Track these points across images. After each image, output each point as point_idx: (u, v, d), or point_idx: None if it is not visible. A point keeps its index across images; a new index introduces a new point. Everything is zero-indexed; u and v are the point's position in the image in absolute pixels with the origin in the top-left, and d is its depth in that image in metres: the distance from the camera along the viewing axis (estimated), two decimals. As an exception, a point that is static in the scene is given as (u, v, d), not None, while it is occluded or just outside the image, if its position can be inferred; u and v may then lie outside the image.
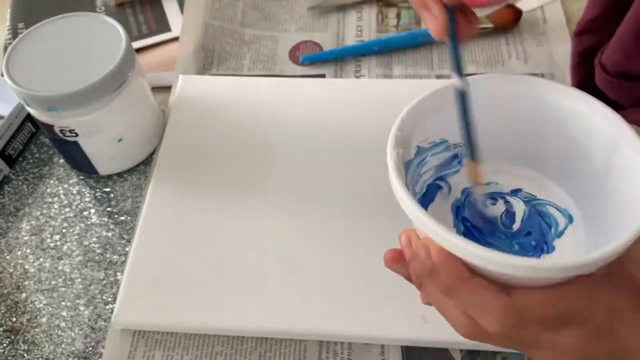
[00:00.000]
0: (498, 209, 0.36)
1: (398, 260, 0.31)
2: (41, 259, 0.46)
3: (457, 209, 0.36)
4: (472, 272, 0.28)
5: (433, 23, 0.31)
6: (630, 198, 0.30)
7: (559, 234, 0.35)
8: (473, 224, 0.36)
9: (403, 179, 0.30)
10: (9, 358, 0.42)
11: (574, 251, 0.34)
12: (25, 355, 0.42)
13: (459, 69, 0.32)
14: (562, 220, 0.35)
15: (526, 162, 0.36)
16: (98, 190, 0.50)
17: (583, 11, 0.44)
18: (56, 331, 0.43)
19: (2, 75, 0.50)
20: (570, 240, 0.34)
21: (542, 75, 0.55)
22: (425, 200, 0.36)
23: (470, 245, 0.26)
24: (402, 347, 0.40)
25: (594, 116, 0.32)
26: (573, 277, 0.27)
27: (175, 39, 0.60)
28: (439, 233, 0.27)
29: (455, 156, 0.37)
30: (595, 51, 0.43)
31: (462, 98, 0.32)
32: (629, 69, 0.41)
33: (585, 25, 0.43)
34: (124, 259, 0.46)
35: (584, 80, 0.45)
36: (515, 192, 0.37)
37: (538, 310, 0.27)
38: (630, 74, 0.41)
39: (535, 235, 0.35)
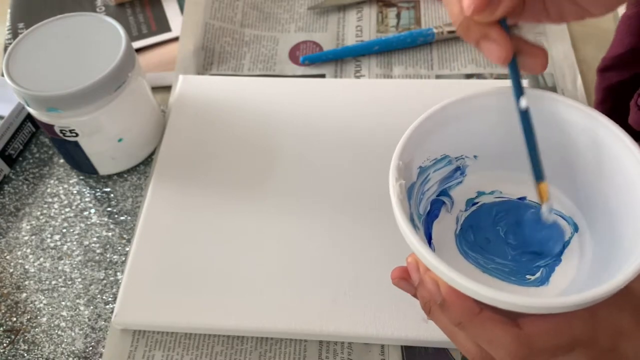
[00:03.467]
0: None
1: (405, 279, 0.32)
2: (41, 259, 0.46)
3: (464, 220, 0.36)
4: (481, 306, 0.28)
5: (498, 48, 0.30)
6: (630, 210, 0.30)
7: (566, 244, 0.35)
8: (479, 235, 0.36)
9: (408, 215, 0.30)
10: (9, 358, 0.42)
11: (580, 265, 0.33)
12: (26, 355, 0.42)
13: (521, 92, 0.31)
14: (567, 229, 0.35)
15: (529, 170, 0.36)
16: (98, 190, 0.50)
17: (608, 49, 0.44)
18: (56, 331, 0.43)
19: (2, 75, 0.50)
20: (576, 251, 0.34)
21: (542, 76, 0.55)
22: (429, 217, 0.36)
23: (479, 288, 0.27)
24: (402, 347, 0.41)
25: (597, 129, 0.32)
26: None
27: (175, 39, 0.60)
28: (449, 276, 0.28)
29: (457, 168, 0.37)
30: (620, 86, 0.43)
31: (527, 118, 0.31)
32: None
33: (610, 62, 0.43)
34: (124, 258, 0.46)
35: (609, 113, 0.45)
36: (520, 199, 0.37)
37: (548, 339, 0.27)
38: None
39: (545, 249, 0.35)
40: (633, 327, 0.28)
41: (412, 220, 0.31)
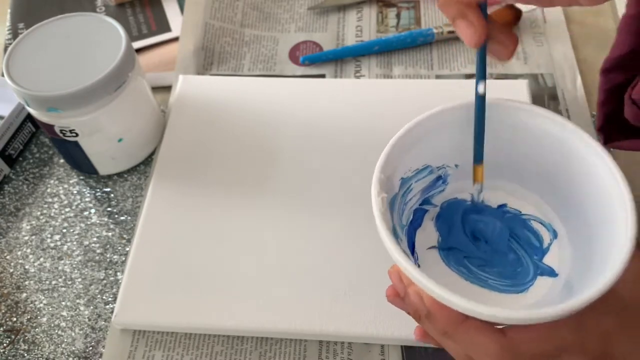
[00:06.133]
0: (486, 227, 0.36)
1: (399, 296, 0.32)
2: (41, 259, 0.46)
3: (438, 219, 0.37)
4: (466, 315, 0.28)
5: (472, 30, 0.30)
6: (605, 216, 0.30)
7: (545, 251, 0.35)
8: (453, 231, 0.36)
9: (390, 229, 0.30)
10: (9, 358, 0.42)
11: (559, 271, 0.34)
12: (26, 355, 0.42)
13: (483, 77, 0.32)
14: (546, 236, 0.35)
15: (509, 178, 0.37)
16: (98, 190, 0.50)
17: (610, 49, 0.44)
18: (56, 331, 0.43)
19: (2, 75, 0.50)
20: (556, 257, 0.34)
21: (542, 76, 0.55)
22: (412, 226, 0.36)
23: (456, 299, 0.27)
24: (402, 347, 0.41)
25: (569, 138, 0.32)
26: None
27: (175, 39, 0.60)
28: (428, 287, 0.28)
29: (439, 178, 0.37)
30: (623, 86, 0.43)
31: (482, 102, 0.33)
32: None
33: (614, 62, 0.43)
34: (124, 258, 0.46)
35: (611, 114, 0.45)
36: (500, 207, 0.37)
37: (532, 346, 0.28)
38: None
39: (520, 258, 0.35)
40: (618, 329, 0.28)
41: (394, 231, 0.31)
